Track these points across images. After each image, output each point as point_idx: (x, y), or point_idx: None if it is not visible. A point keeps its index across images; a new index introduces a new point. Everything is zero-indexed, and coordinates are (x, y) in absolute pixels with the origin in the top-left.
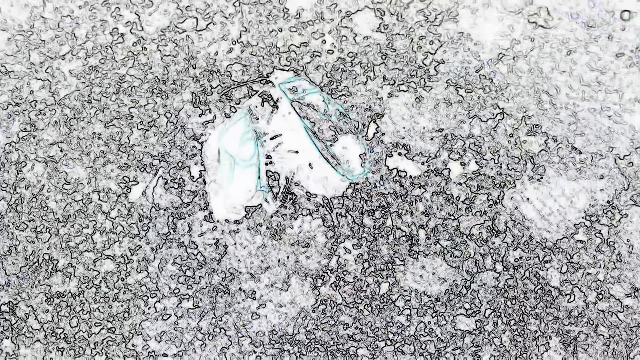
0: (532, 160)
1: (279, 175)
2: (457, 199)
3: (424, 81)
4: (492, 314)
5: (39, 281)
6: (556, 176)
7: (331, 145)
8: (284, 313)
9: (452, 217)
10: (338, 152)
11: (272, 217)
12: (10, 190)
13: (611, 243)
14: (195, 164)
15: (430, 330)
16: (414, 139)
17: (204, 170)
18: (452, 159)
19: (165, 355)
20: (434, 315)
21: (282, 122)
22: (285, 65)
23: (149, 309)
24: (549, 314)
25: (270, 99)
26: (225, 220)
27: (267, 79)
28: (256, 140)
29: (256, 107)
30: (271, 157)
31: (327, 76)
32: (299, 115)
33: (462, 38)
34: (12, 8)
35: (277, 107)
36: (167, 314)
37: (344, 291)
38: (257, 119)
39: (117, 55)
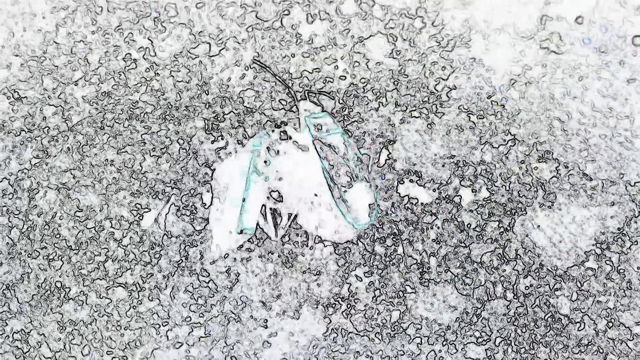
0: (543, 187)
1: (280, 212)
2: (469, 226)
3: (436, 107)
4: (503, 342)
5: (51, 309)
6: (567, 203)
7: (345, 191)
8: (295, 341)
9: (463, 245)
10: (350, 199)
11: (283, 244)
12: (22, 218)
13: (621, 270)
14: (208, 191)
15: (441, 358)
16: (426, 165)
17: (217, 198)
18: (463, 186)
19: None
20: (444, 343)
21: (298, 154)
22: (297, 91)
23: (160, 337)
24: (558, 342)
25: (285, 135)
26: (226, 255)
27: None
28: (247, 181)
29: (272, 139)
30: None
31: (339, 102)
32: (319, 155)
33: (474, 64)
34: (25, 33)
35: (290, 138)
36: (179, 342)
37: (355, 319)
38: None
39: (129, 81)
